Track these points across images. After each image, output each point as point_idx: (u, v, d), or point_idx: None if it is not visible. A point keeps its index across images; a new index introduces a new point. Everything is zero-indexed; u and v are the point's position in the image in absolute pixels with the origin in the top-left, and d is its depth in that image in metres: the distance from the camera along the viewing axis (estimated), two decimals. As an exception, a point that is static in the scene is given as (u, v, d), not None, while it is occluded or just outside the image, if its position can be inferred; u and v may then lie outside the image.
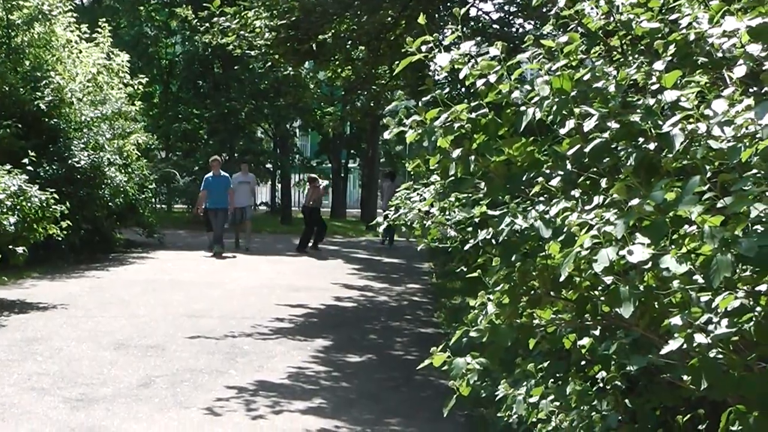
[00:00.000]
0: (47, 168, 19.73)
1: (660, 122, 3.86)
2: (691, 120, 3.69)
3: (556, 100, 4.21)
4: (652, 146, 3.93)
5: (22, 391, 9.29)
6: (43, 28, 21.87)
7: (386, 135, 5.03)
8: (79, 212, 17.52)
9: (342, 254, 26.26)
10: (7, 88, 20.66)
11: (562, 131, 4.32)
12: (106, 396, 9.23)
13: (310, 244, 25.97)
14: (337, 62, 20.78)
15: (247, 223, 26.56)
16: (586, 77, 4.25)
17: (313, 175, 28.89)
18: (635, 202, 3.49)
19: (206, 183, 24.44)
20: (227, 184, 24.48)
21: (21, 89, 20.82)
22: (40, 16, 21.60)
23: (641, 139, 4.00)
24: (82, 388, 9.47)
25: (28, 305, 14.47)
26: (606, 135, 4.09)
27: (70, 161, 20.38)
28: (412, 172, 7.17)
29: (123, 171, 22.88)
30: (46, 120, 20.99)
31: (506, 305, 4.49)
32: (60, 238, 15.98)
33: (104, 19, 25.89)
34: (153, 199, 26.08)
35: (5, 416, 8.39)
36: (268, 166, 42.70)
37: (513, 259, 4.29)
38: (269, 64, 29.33)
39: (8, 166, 15.10)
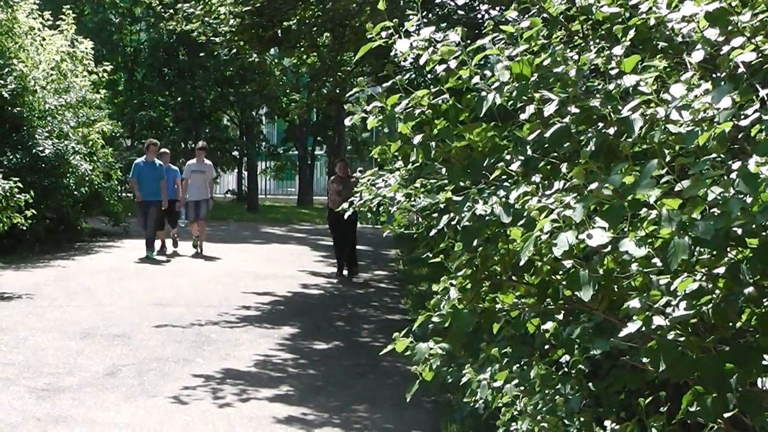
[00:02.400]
0: (11, 157, 19.59)
1: (619, 107, 3.88)
2: (650, 105, 3.71)
3: (516, 85, 4.21)
4: (611, 131, 3.94)
5: (-13, 381, 9.25)
6: (5, 15, 21.62)
7: (347, 122, 5.03)
8: (43, 201, 17.42)
9: (309, 242, 26.22)
10: (-31, 76, 20.49)
11: (523, 116, 4.33)
12: (73, 385, 9.20)
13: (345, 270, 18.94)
14: (302, 49, 20.70)
15: (201, 223, 21.26)
16: (546, 62, 4.26)
17: (344, 160, 21.25)
18: (594, 186, 3.50)
19: (135, 169, 20.20)
20: (160, 174, 20.12)
21: (-17, 77, 20.64)
22: (1, 3, 21.39)
23: (601, 124, 4.01)
24: (48, 378, 9.44)
25: (-8, 296, 14.38)
26: (566, 120, 4.10)
27: (34, 150, 20.23)
28: (377, 159, 7.16)
29: (88, 159, 22.71)
30: (9, 108, 20.79)
31: (468, 290, 4.51)
32: (24, 228, 15.86)
33: (68, 6, 25.60)
34: (118, 188, 25.69)
35: (-30, 407, 8.36)
36: (235, 153, 42.61)
37: (474, 244, 4.30)
38: (234, 51, 29.14)
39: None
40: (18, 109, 21.00)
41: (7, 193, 14.87)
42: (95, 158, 23.36)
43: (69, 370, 9.81)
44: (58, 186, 20.67)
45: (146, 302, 14.04)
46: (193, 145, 37.81)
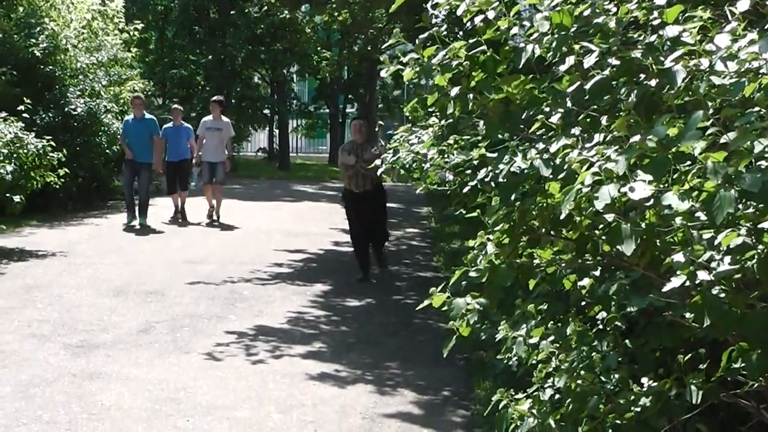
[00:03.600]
0: (43, 116, 19.62)
1: (661, 58, 3.79)
2: (693, 56, 3.63)
3: (556, 36, 4.14)
4: (653, 83, 3.86)
5: (23, 338, 9.30)
6: (36, -26, 21.62)
7: (383, 74, 4.96)
8: (76, 160, 17.47)
9: (341, 199, 26.18)
10: (0, 35, 20.49)
11: (562, 68, 4.25)
12: (106, 342, 9.24)
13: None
14: (334, 5, 20.55)
15: (218, 188, 19.13)
16: (586, 13, 4.17)
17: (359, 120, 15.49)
18: (637, 138, 3.43)
19: (125, 127, 18.53)
20: (150, 130, 18.13)
21: (15, 36, 20.62)
22: (33, -38, 21.37)
23: (642, 76, 3.93)
24: (82, 335, 9.49)
25: (27, 253, 14.44)
26: (606, 72, 4.02)
27: (66, 109, 20.24)
28: (409, 116, 7.09)
29: (119, 118, 22.71)
30: (41, 67, 20.80)
31: (505, 245, 4.45)
32: (57, 186, 15.91)
33: (98, -36, 25.58)
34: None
35: (6, 363, 8.41)
36: (266, 111, 42.58)
37: (512, 198, 4.24)
38: (265, 8, 29.08)
39: (4, 114, 15.00)
40: (50, 68, 21.00)
41: (40, 152, 14.89)
42: (126, 116, 23.36)
43: (103, 327, 9.85)
44: (91, 144, 20.71)
45: (179, 260, 14.08)
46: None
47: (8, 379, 7.89)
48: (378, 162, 7.22)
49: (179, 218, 19.24)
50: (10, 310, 10.44)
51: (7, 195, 14.42)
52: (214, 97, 20.55)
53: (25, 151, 14.56)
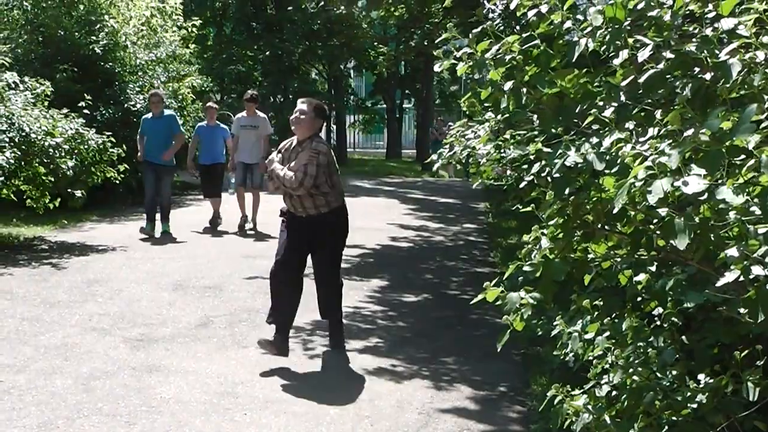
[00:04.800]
0: (103, 111, 19.86)
1: (716, 51, 3.76)
2: (748, 49, 3.60)
3: (609, 29, 4.12)
4: (708, 76, 3.83)
5: (84, 331, 9.42)
6: (96, -28, 21.86)
7: (437, 68, 4.97)
8: (135, 155, 17.63)
9: (398, 194, 26.24)
10: (62, 33, 20.77)
11: (616, 62, 4.23)
12: (166, 336, 9.33)
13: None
14: (390, 1, 20.56)
15: (255, 192, 17.25)
16: (640, 6, 4.15)
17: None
18: (690, 131, 3.41)
19: (143, 125, 16.40)
20: (168, 128, 16.19)
21: (76, 33, 20.91)
22: (93, -40, 21.60)
23: (697, 69, 3.90)
24: (141, 328, 9.58)
25: (88, 248, 14.62)
26: (661, 65, 4.00)
27: (125, 105, 20.48)
28: (466, 111, 7.08)
29: (179, 114, 22.92)
30: (101, 64, 21.07)
31: (560, 239, 4.45)
32: (117, 182, 16.09)
33: (156, -39, 25.83)
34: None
35: (68, 356, 8.52)
36: (323, 107, 42.67)
37: (566, 192, 4.23)
38: (322, 3, 29.18)
39: (65, 110, 15.20)
40: (110, 64, 21.27)
41: (101, 147, 15.10)
42: (185, 113, 23.54)
43: (162, 320, 9.94)
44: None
45: (236, 254, 14.17)
46: (281, 99, 38.08)
47: (70, 372, 8.00)
48: (434, 157, 7.18)
49: (220, 222, 17.60)
50: (71, 303, 10.58)
51: (69, 190, 14.64)
52: (249, 93, 17.97)
53: (86, 146, 14.76)
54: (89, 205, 16.75)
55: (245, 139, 17.06)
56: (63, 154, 14.09)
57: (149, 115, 16.51)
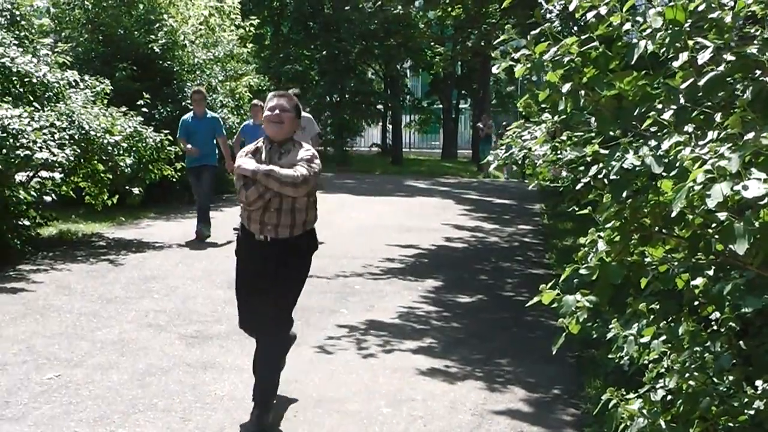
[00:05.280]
0: (161, 110, 20.06)
1: (778, 54, 3.72)
2: (811, 51, 3.56)
3: (669, 31, 4.08)
4: (769, 79, 3.79)
5: (140, 327, 9.51)
6: (156, -28, 22.07)
7: (494, 69, 4.96)
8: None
9: (453, 195, 26.20)
10: (122, 32, 21.03)
11: (675, 64, 4.19)
12: (221, 333, 9.39)
13: None
14: (447, 1, 20.54)
15: None
16: (700, 8, 4.11)
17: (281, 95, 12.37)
18: (751, 135, 3.37)
19: (183, 127, 15.50)
20: (211, 130, 15.53)
21: (135, 32, 21.15)
22: (152, -40, 21.82)
23: (758, 72, 3.86)
24: (197, 325, 9.66)
25: (145, 245, 14.76)
26: (721, 68, 3.96)
27: (183, 103, 20.63)
28: (523, 112, 7.06)
29: (235, 113, 23.09)
30: (160, 62, 21.29)
31: (616, 243, 4.42)
32: (174, 179, 16.23)
33: (214, -39, 26.03)
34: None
35: (124, 351, 8.60)
36: (379, 107, 42.79)
37: (624, 195, 4.20)
38: (379, 3, 29.18)
39: (124, 109, 15.36)
40: (168, 63, 21.48)
41: (158, 145, 15.25)
42: (242, 111, 23.67)
43: (217, 318, 10.01)
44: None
45: (292, 253, 14.22)
46: (337, 98, 38.15)
47: (126, 368, 8.08)
48: (491, 158, 7.15)
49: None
50: (128, 300, 10.69)
51: (127, 187, 14.78)
52: (290, 90, 17.13)
53: (144, 144, 14.92)
54: (146, 203, 16.91)
55: None
56: (121, 151, 14.24)
57: (189, 115, 15.64)
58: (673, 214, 3.72)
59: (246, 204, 6.72)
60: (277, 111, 6.84)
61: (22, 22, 15.52)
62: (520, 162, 6.69)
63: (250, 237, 6.94)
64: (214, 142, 15.61)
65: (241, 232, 7.11)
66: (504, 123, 33.32)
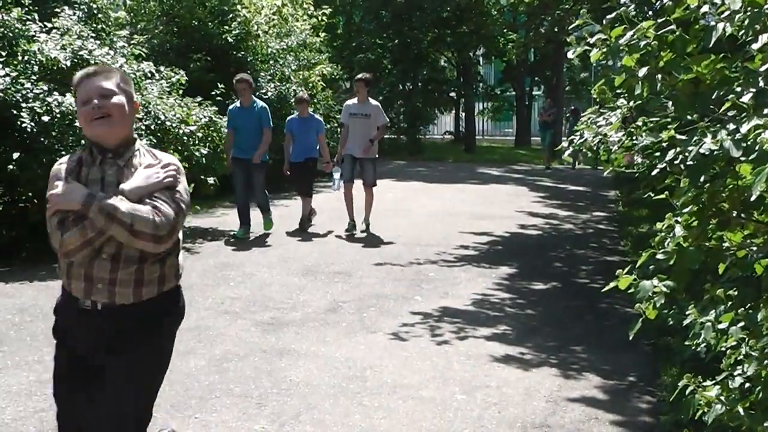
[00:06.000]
0: (235, 100, 20.18)
1: None
2: None
3: (748, 13, 4.03)
4: None
5: (216, 314, 9.63)
6: (230, -38, 22.23)
7: (570, 55, 4.92)
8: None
9: (527, 182, 26.12)
10: (195, 23, 21.23)
11: (754, 47, 4.13)
12: (295, 320, 9.47)
13: None
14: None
15: (368, 191, 15.52)
16: (781, -11, 4.05)
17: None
18: (832, 117, 3.32)
19: (231, 116, 14.95)
20: (258, 121, 14.72)
21: (209, 23, 21.33)
22: (226, -50, 21.98)
23: (840, 53, 3.80)
24: (272, 312, 9.75)
25: (220, 233, 14.94)
26: (802, 49, 3.90)
27: (257, 93, 20.77)
28: (597, 98, 7.01)
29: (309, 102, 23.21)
30: (234, 53, 21.45)
31: (694, 228, 4.37)
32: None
33: (288, -49, 26.14)
34: (338, 130, 26.03)
35: (201, 338, 8.72)
36: (452, 94, 42.75)
37: (702, 180, 4.16)
38: (451, -9, 29.08)
39: (199, 99, 15.51)
40: (242, 53, 21.63)
41: (232, 135, 15.37)
42: (315, 100, 23.75)
43: (292, 305, 10.10)
44: (280, 128, 21.20)
45: (366, 241, 14.30)
46: (410, 87, 38.14)
47: (203, 353, 8.19)
48: (565, 144, 7.12)
49: (309, 225, 15.80)
50: (204, 287, 10.82)
51: (202, 177, 14.92)
52: (359, 75, 16.16)
53: (219, 134, 15.04)
54: (221, 192, 17.04)
55: (355, 128, 15.25)
56: (197, 141, 14.39)
57: (237, 104, 15.01)
58: (753, 198, 3.66)
59: (63, 253, 4.19)
60: (95, 101, 4.27)
61: (99, 15, 15.74)
62: (595, 148, 6.64)
63: (70, 303, 4.36)
64: (261, 133, 14.79)
65: (61, 296, 4.48)
66: (573, 108, 33.06)
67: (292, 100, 20.39)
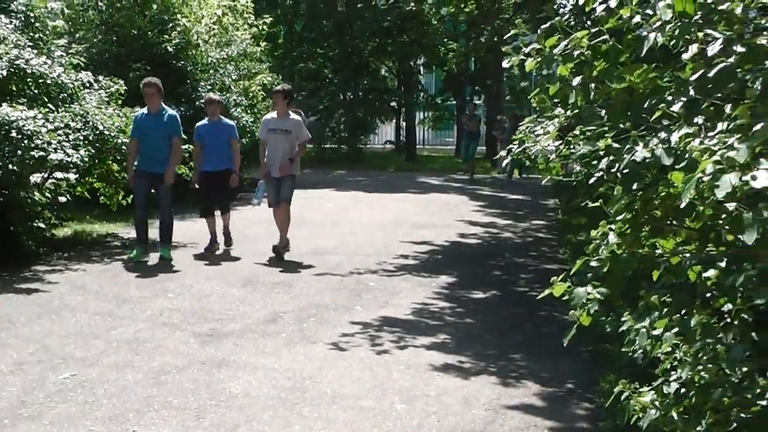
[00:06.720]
0: (175, 109, 20.05)
1: (788, 45, 3.72)
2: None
3: (679, 23, 4.08)
4: (779, 70, 3.79)
5: (155, 326, 9.54)
6: (169, -29, 22.11)
7: (505, 64, 4.95)
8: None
9: (467, 191, 26.21)
10: (135, 32, 21.07)
11: (685, 56, 4.19)
12: (235, 331, 9.41)
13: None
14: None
15: (283, 206, 13.87)
16: (710, -1, 4.12)
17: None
18: (760, 126, 3.37)
19: (136, 124, 13.60)
20: (168, 128, 13.43)
21: (149, 32, 21.19)
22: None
23: (767, 63, 3.86)
24: (211, 324, 9.69)
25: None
26: (731, 59, 3.96)
27: (197, 103, 20.67)
28: (536, 107, 7.06)
29: (249, 111, 23.14)
30: (174, 62, 21.30)
31: (627, 235, 4.42)
32: (188, 178, 16.26)
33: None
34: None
35: (139, 350, 8.63)
36: (393, 104, 42.83)
37: (634, 188, 4.20)
38: (392, 0, 29.16)
39: (138, 108, 15.38)
40: (182, 63, 21.49)
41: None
42: (256, 110, 23.68)
43: (231, 316, 10.04)
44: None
45: (306, 251, 14.25)
46: (351, 96, 38.15)
47: (141, 366, 8.11)
48: (503, 153, 7.15)
49: (216, 248, 14.40)
50: (142, 299, 10.72)
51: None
52: (277, 87, 14.83)
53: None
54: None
55: (274, 145, 13.89)
56: (135, 151, 14.25)
57: (143, 111, 13.72)
58: (683, 206, 3.71)
59: None
60: None
61: (37, 24, 15.54)
62: (533, 157, 6.67)
63: None
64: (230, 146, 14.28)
65: None
66: (514, 116, 33.21)
67: (202, 106, 20.29)
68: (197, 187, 14.50)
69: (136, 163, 13.39)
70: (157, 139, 13.29)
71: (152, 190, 13.60)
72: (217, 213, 14.55)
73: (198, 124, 14.74)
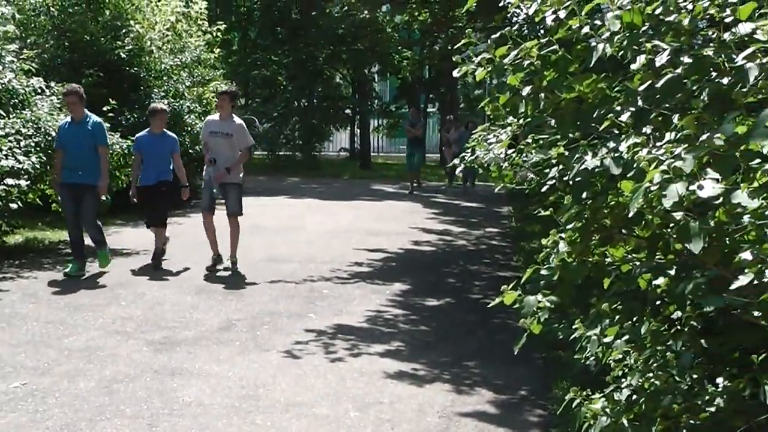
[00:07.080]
0: (128, 116, 19.94)
1: (734, 56, 3.77)
2: (766, 53, 3.61)
3: (627, 34, 4.13)
4: (725, 81, 3.84)
5: (107, 334, 9.48)
6: (122, -23, 21.98)
7: (455, 73, 4.98)
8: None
9: (421, 198, 26.25)
10: (88, 38, 20.91)
11: (633, 67, 4.24)
12: (188, 339, 9.38)
13: None
14: (414, 5, 20.60)
15: (233, 221, 13.47)
16: (658, 11, 4.16)
17: None
18: (706, 136, 3.42)
19: (59, 134, 12.93)
20: (93, 137, 12.65)
21: (102, 39, 21.04)
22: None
23: (714, 74, 3.91)
24: (164, 332, 9.64)
25: (112, 251, 14.63)
26: (679, 70, 4.01)
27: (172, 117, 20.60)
28: (491, 115, 7.09)
29: (202, 118, 23.01)
30: (127, 69, 21.18)
31: (577, 243, 4.46)
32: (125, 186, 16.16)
33: (181, -34, 25.93)
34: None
35: (91, 358, 8.58)
36: (347, 111, 42.86)
37: (584, 196, 4.25)
38: (346, 8, 29.19)
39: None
40: (135, 69, 21.37)
41: (125, 152, 15.17)
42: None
43: (185, 324, 10.00)
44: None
45: (260, 258, 14.22)
46: (305, 103, 38.13)
47: (93, 375, 8.06)
48: (456, 161, 7.18)
49: (158, 263, 13.60)
50: (95, 307, 10.65)
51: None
52: (223, 88, 14.74)
53: (111, 151, 14.81)
54: (113, 210, 16.78)
55: (216, 150, 13.26)
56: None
57: (67, 120, 12.95)
58: (631, 215, 3.76)
59: None
60: None
61: (-14, 30, 15.42)
62: (486, 165, 6.70)
63: None
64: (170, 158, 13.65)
65: None
66: (468, 122, 33.24)
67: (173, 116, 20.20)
68: (135, 201, 13.86)
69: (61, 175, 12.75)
70: (82, 149, 12.55)
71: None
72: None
73: (138, 135, 14.04)
